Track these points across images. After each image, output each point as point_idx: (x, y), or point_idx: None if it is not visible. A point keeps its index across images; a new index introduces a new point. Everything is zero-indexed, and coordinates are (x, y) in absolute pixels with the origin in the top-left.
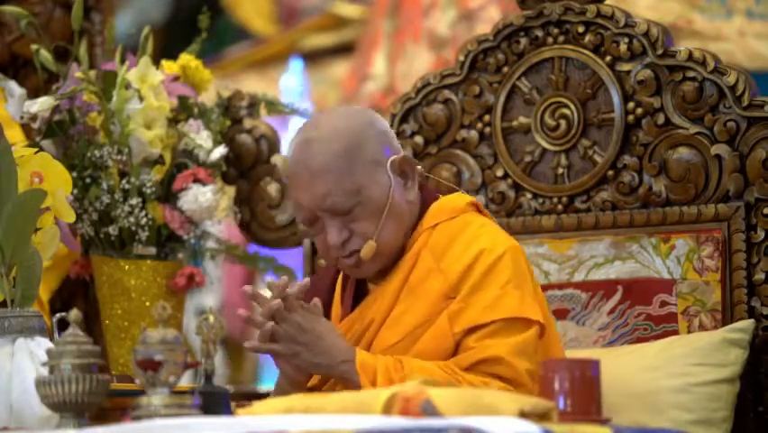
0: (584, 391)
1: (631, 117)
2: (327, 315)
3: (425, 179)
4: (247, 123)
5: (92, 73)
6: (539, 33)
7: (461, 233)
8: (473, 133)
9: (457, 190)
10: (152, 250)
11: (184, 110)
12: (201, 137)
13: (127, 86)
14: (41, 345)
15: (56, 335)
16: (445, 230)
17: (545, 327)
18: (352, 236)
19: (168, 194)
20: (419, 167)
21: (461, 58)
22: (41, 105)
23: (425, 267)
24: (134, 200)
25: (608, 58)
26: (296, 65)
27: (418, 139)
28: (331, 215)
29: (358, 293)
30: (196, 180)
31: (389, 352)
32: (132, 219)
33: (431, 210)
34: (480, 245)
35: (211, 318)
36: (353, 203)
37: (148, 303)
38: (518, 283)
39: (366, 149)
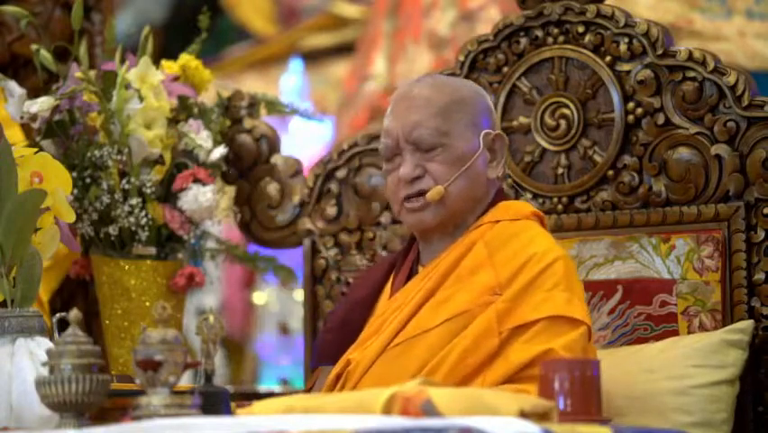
0: (584, 391)
1: (631, 117)
2: (374, 303)
3: (503, 180)
4: (247, 123)
5: (92, 73)
6: (539, 33)
7: (519, 234)
8: None
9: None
10: (152, 250)
11: (184, 110)
12: (201, 137)
13: (127, 86)
14: (41, 345)
15: (56, 335)
16: (505, 228)
17: (592, 330)
18: (425, 176)
19: (168, 194)
20: (503, 169)
21: (461, 58)
22: (41, 105)
23: (477, 258)
24: (134, 200)
25: (608, 58)
26: (296, 65)
27: None
28: (413, 148)
29: (410, 276)
30: (196, 180)
31: (424, 336)
32: (132, 219)
33: (498, 207)
34: (535, 249)
35: (211, 318)
36: (438, 142)
37: (148, 303)
38: (568, 286)
39: (468, 106)
